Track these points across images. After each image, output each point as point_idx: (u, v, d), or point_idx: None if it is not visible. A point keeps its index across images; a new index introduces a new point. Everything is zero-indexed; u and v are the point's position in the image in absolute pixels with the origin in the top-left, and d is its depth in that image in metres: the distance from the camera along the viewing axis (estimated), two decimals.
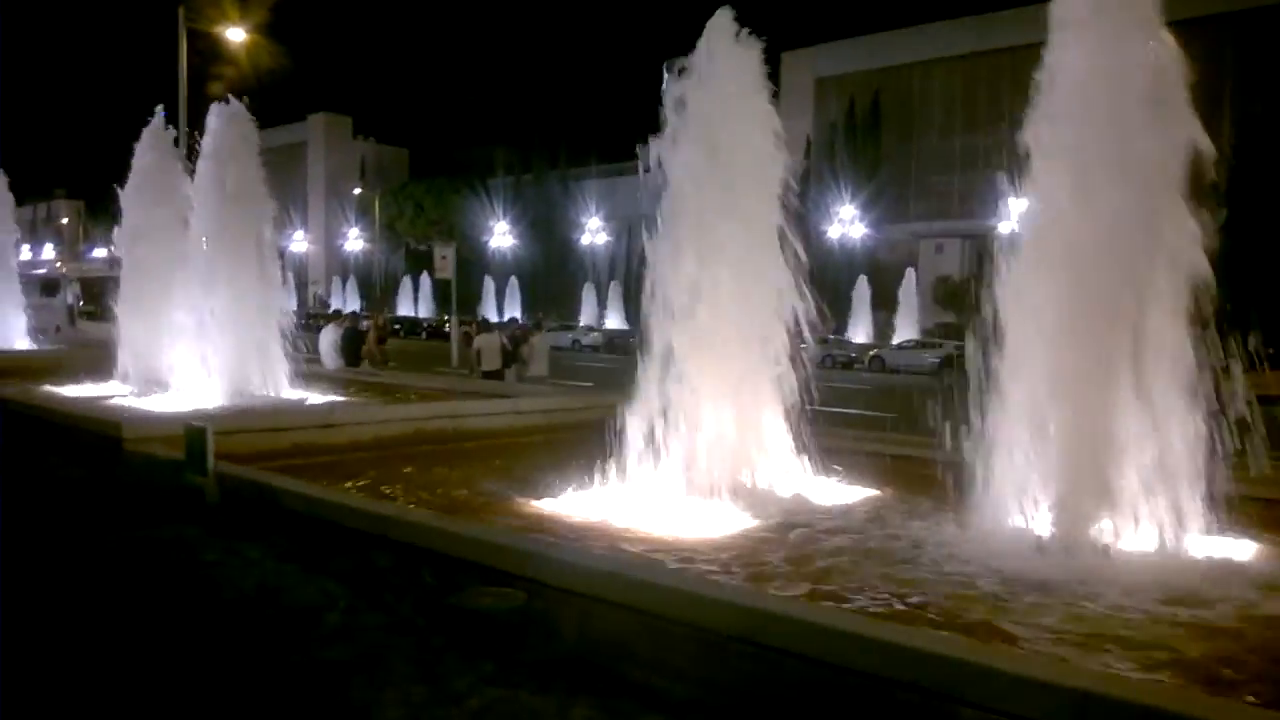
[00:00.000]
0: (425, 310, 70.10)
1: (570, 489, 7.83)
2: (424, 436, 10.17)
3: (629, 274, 75.69)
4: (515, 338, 18.89)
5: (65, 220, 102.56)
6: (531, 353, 18.26)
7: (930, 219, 64.96)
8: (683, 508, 7.35)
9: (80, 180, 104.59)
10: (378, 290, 76.45)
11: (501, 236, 68.68)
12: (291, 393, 12.97)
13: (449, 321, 33.50)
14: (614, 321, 60.58)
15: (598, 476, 8.06)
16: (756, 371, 7.89)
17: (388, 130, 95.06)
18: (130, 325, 14.41)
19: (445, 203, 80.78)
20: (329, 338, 16.52)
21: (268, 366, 12.96)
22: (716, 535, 6.75)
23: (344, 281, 78.53)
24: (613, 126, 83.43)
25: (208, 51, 29.67)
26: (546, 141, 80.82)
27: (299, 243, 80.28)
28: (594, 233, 68.49)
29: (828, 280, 63.71)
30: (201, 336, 12.67)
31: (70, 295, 32.22)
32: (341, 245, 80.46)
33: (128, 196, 14.59)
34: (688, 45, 8.05)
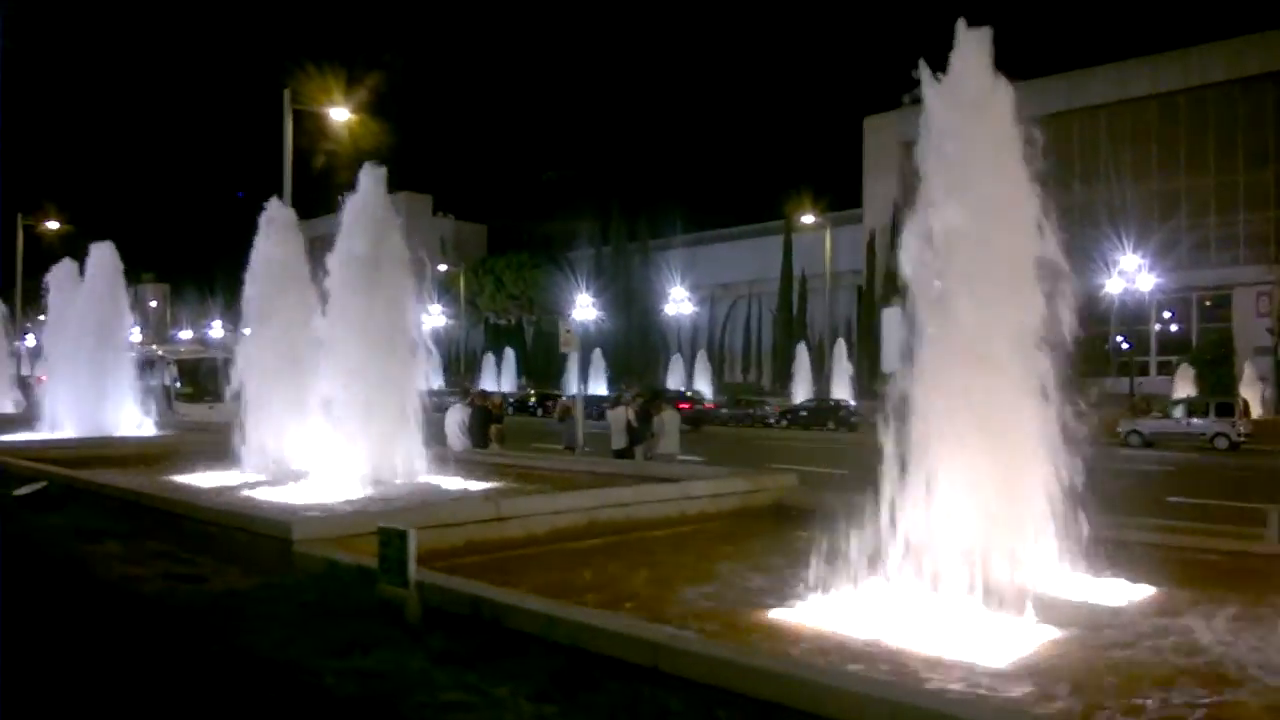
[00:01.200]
0: (507, 385, 69.86)
1: (800, 595, 6.75)
2: (598, 528, 9.18)
3: (718, 343, 75.01)
4: (644, 412, 17.92)
5: (154, 303, 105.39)
6: (661, 428, 17.25)
7: None
8: (950, 616, 6.20)
9: (166, 263, 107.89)
10: (460, 366, 76.62)
11: (584, 309, 68.41)
12: (431, 479, 12.13)
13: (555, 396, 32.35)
14: (704, 388, 59.36)
15: (817, 576, 6.98)
16: (1038, 447, 6.73)
17: (466, 207, 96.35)
18: (258, 409, 13.77)
19: (525, 277, 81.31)
20: (456, 417, 15.73)
21: (406, 451, 12.15)
22: (1017, 652, 5.59)
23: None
24: (692, 197, 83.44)
25: (301, 132, 29.81)
26: (625, 212, 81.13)
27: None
28: (678, 302, 67.89)
29: None
30: (338, 420, 11.92)
31: (167, 377, 32.22)
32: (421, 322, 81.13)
33: (252, 276, 14.09)
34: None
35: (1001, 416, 6.70)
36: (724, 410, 50.36)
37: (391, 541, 6.04)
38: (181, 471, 13.69)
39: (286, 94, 27.43)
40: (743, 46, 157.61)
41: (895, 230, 67.60)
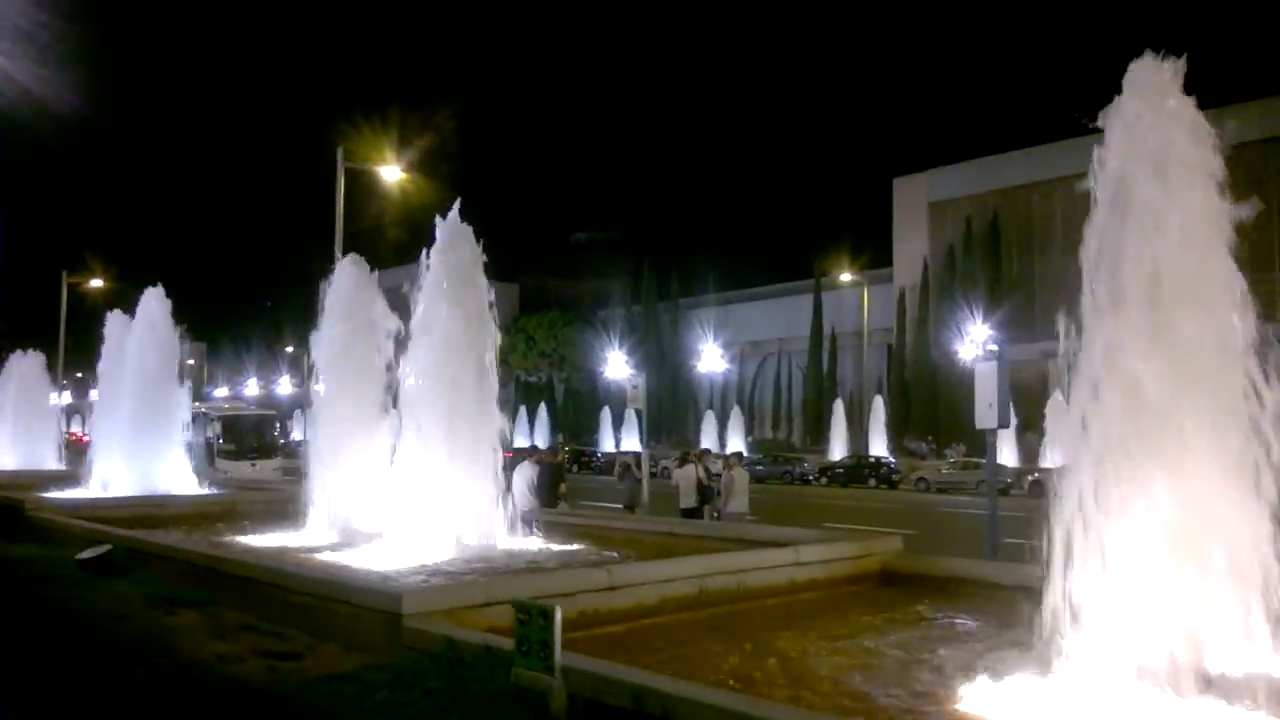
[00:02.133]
0: (540, 440, 69.22)
1: (975, 681, 5.99)
2: (709, 597, 8.48)
3: (748, 400, 74.28)
4: (713, 470, 17.23)
5: (191, 361, 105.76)
6: (731, 486, 16.54)
7: (1056, 339, 62.42)
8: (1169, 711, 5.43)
9: (201, 321, 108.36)
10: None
11: (616, 366, 68.07)
12: (512, 542, 11.47)
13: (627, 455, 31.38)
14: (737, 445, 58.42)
15: (984, 659, 6.24)
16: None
17: (497, 266, 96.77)
18: (325, 467, 13.20)
19: (557, 335, 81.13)
20: (524, 475, 15.10)
21: (486, 512, 11.52)
22: None
23: None
24: (721, 256, 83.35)
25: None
26: (656, 271, 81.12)
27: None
28: (709, 360, 67.46)
29: (962, 401, 61.43)
30: (416, 479, 11.32)
31: (210, 433, 31.81)
32: None
33: (324, 331, 13.61)
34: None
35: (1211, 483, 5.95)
36: (760, 467, 49.45)
37: (532, 619, 5.38)
38: (244, 532, 13.13)
39: (340, 151, 27.31)
40: (772, 108, 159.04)
41: (925, 288, 67.53)
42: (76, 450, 32.47)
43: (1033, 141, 66.75)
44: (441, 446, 11.24)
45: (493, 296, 11.99)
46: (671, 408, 73.45)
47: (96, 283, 49.21)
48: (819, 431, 64.87)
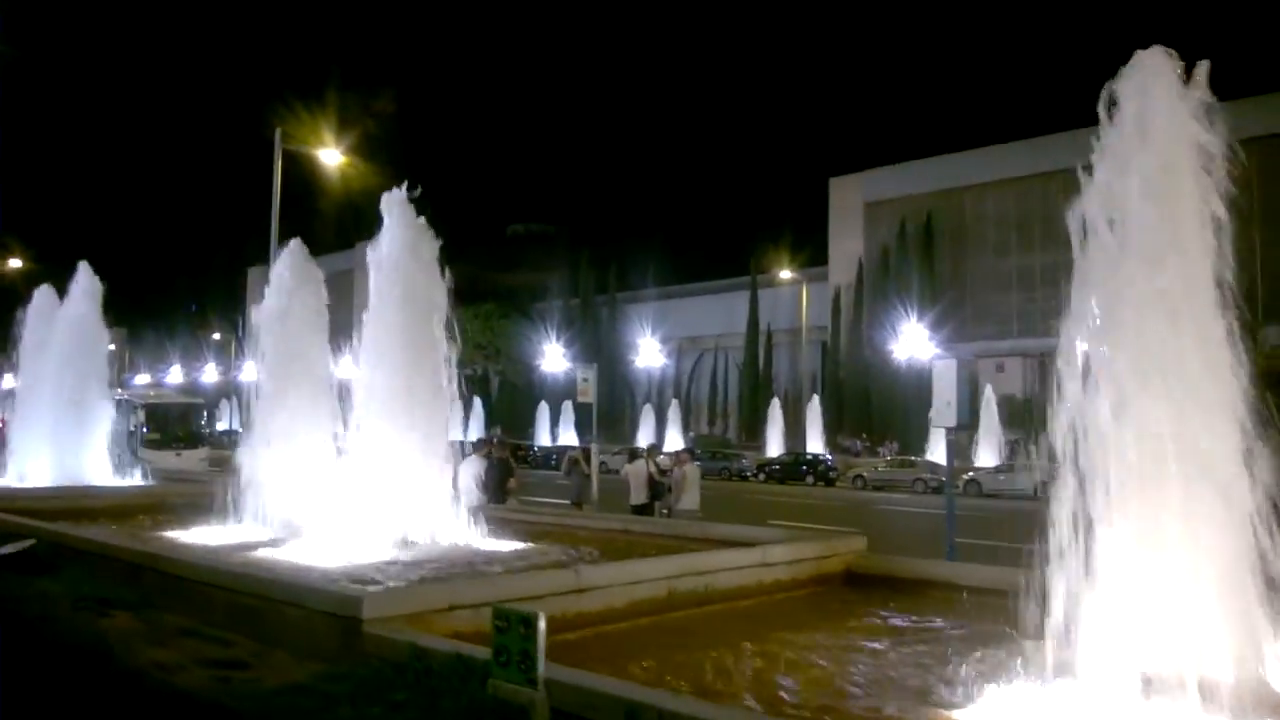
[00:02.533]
0: (475, 434, 68.24)
1: (963, 690, 5.74)
2: (679, 599, 8.16)
3: (685, 395, 74.25)
4: (664, 465, 16.91)
5: (111, 346, 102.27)
6: (683, 483, 16.24)
7: (988, 339, 63.65)
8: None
9: (122, 308, 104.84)
10: None
11: (553, 360, 67.45)
12: (461, 539, 11.01)
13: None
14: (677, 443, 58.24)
15: (968, 668, 6.01)
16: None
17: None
18: (261, 458, 12.57)
19: (492, 327, 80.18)
20: (471, 469, 14.58)
21: (435, 507, 11.04)
22: None
23: None
24: (659, 251, 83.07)
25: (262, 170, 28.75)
26: (594, 264, 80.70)
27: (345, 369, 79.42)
28: (647, 355, 67.22)
29: (896, 400, 62.15)
30: (362, 472, 10.80)
31: (132, 422, 30.55)
32: None
33: (265, 322, 12.97)
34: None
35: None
36: (696, 462, 49.21)
37: (512, 627, 4.97)
38: (175, 527, 12.46)
39: (278, 133, 26.40)
40: (712, 104, 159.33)
41: (860, 287, 68.20)
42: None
43: (967, 145, 67.99)
44: (389, 437, 10.74)
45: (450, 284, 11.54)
46: (609, 402, 72.99)
47: (15, 263, 47.06)
48: (754, 427, 65.10)
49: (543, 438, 67.45)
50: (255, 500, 12.40)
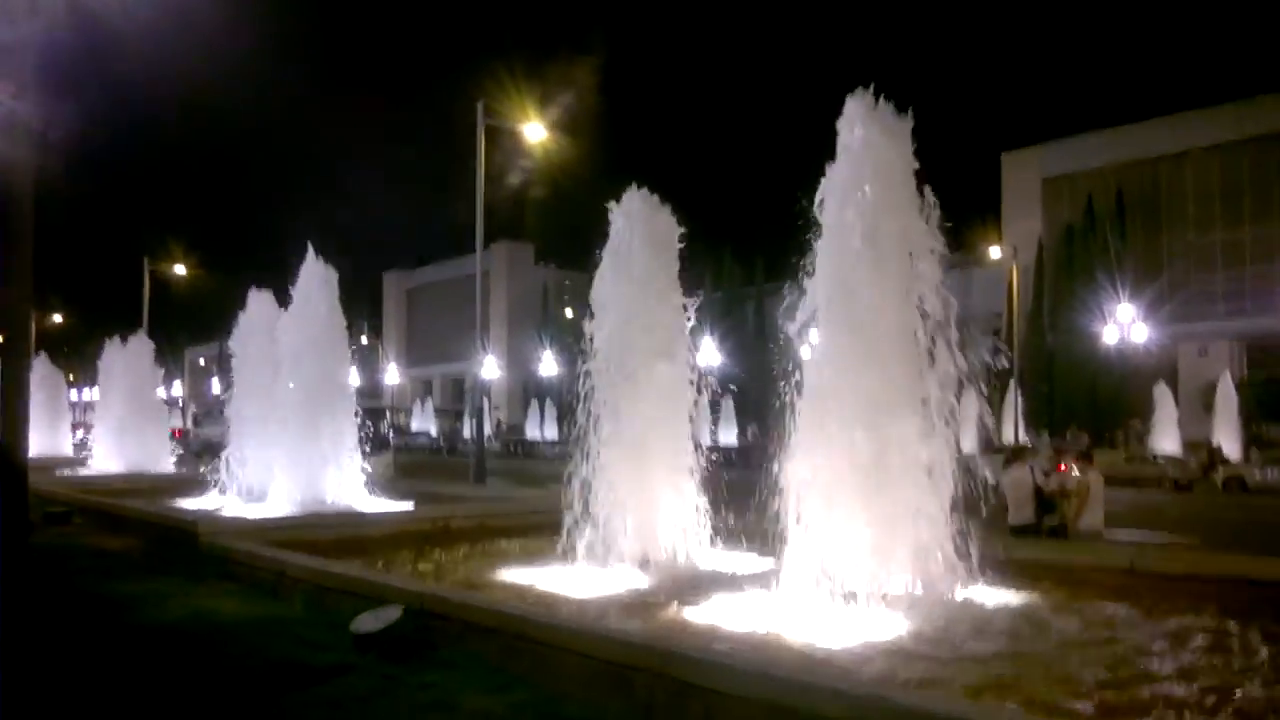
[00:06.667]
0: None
1: None
2: None
3: None
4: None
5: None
6: (1086, 492, 12.67)
7: (1189, 320, 57.76)
8: None
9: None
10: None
11: (708, 354, 64.11)
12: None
13: None
14: None
15: None
16: None
17: (568, 256, 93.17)
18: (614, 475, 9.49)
19: None
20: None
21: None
22: None
23: (540, 407, 74.78)
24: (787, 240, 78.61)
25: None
26: (738, 255, 77.48)
27: (490, 369, 77.72)
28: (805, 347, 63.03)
29: (1101, 388, 56.81)
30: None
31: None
32: (535, 370, 77.39)
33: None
34: None
35: None
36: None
37: None
38: (519, 563, 9.44)
39: (480, 105, 23.65)
40: (866, 76, 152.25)
41: (1040, 268, 62.70)
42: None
43: (1150, 114, 61.89)
44: None
45: None
46: (768, 394, 69.35)
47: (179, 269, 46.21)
48: None
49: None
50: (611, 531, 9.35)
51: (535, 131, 24.89)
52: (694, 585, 8.47)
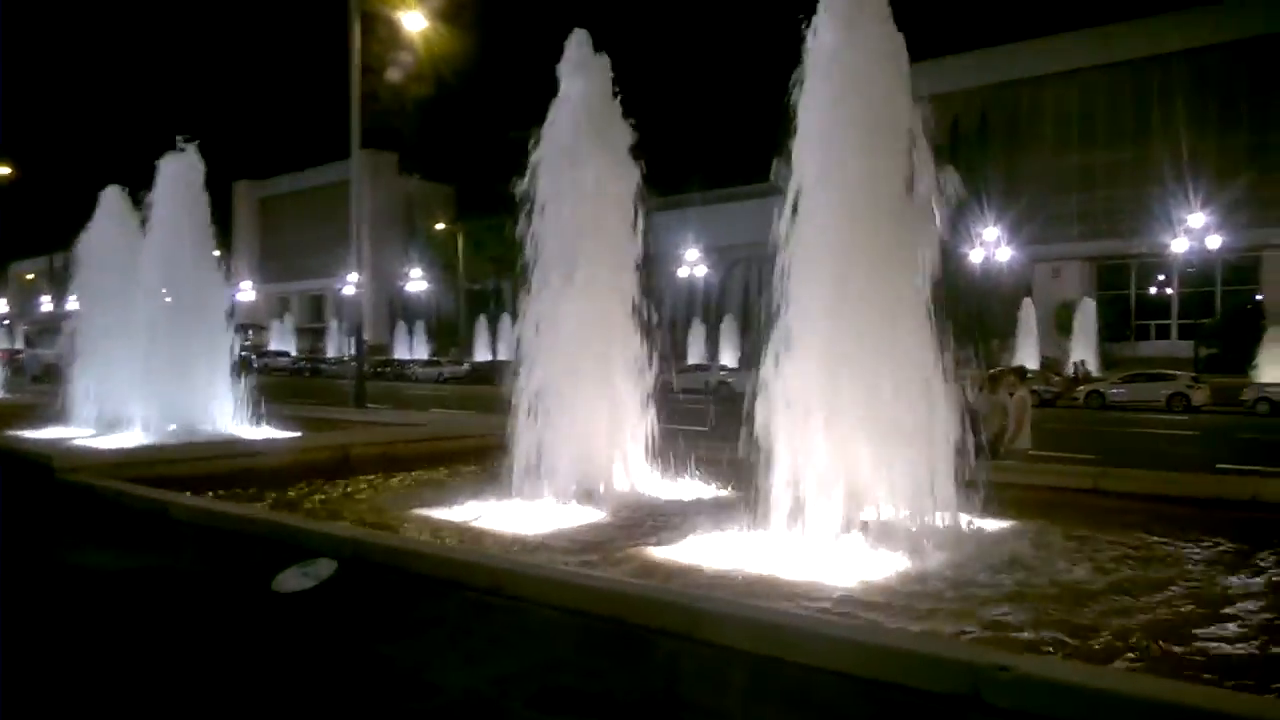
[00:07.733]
0: (505, 355, 63.90)
1: None
2: None
3: (742, 308, 69.71)
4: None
5: None
6: (1021, 412, 12.35)
7: (1046, 242, 59.80)
8: None
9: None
10: (460, 335, 70.11)
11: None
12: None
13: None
14: (729, 361, 54.24)
15: None
16: None
17: (429, 166, 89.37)
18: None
19: (506, 239, 75.14)
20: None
21: None
22: None
23: (409, 327, 72.06)
24: (672, 156, 77.42)
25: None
26: None
27: (350, 286, 74.28)
28: (692, 265, 62.55)
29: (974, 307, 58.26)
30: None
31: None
32: (401, 287, 74.34)
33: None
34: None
35: None
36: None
37: None
38: (470, 506, 8.33)
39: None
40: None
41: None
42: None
43: (1020, 36, 62.85)
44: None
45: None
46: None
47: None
48: None
49: None
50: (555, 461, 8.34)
51: (414, 21, 22.87)
52: (653, 519, 7.59)
